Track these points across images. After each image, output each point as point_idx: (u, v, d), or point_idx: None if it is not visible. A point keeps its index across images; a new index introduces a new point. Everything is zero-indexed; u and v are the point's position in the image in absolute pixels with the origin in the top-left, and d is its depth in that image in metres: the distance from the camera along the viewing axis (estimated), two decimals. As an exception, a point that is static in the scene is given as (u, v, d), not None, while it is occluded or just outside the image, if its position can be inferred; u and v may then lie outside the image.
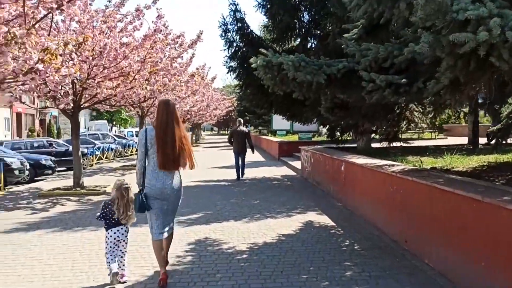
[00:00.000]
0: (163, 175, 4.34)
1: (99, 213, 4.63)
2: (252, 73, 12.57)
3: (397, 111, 7.12)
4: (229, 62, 12.56)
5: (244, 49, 12.51)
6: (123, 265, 4.62)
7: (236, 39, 12.54)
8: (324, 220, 7.50)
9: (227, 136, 14.69)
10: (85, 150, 18.69)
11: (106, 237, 4.55)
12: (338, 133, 14.23)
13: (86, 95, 11.41)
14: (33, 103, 42.44)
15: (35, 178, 14.92)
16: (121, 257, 4.60)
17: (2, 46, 5.74)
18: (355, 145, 13.67)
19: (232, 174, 14.27)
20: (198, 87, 20.16)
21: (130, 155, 23.85)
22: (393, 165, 6.84)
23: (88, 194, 10.48)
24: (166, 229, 4.50)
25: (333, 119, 7.42)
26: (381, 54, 4.66)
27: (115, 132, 44.24)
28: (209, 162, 19.78)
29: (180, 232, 6.74)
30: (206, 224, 7.27)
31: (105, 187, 11.38)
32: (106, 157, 21.17)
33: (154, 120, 4.51)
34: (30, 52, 5.95)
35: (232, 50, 12.50)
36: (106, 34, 10.15)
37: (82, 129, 45.37)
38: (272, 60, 5.21)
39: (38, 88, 9.96)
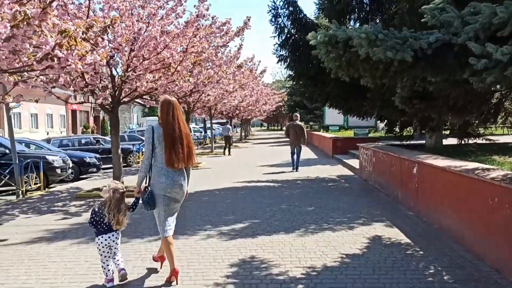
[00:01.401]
0: (171, 172, 4.36)
1: (89, 220, 4.45)
2: (305, 62, 11.44)
3: (493, 101, 5.66)
4: (280, 50, 11.35)
5: (296, 35, 11.26)
6: (122, 263, 4.49)
7: (288, 25, 11.30)
8: (396, 235, 6.16)
9: (276, 132, 14.30)
10: (131, 147, 18.19)
11: (97, 243, 4.39)
12: (397, 129, 12.80)
13: (126, 89, 10.61)
14: (88, 100, 43.20)
15: (80, 176, 14.45)
16: (114, 258, 4.47)
17: (13, 29, 4.85)
18: (423, 141, 12.10)
19: (282, 174, 13.15)
20: (247, 81, 19.09)
21: (178, 152, 23.21)
22: (488, 170, 5.40)
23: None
24: (173, 226, 4.51)
25: (410, 112, 6.05)
26: (497, 19, 3.30)
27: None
28: (258, 159, 18.74)
29: (222, 247, 5.66)
30: (253, 237, 6.15)
31: (146, 188, 10.54)
32: (153, 154, 20.57)
33: (159, 118, 4.46)
34: (46, 36, 5.03)
35: (283, 37, 11.27)
36: (144, 20, 9.25)
37: (133, 126, 45.90)
38: (338, 34, 3.97)
39: (73, 82, 9.35)
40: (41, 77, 6.07)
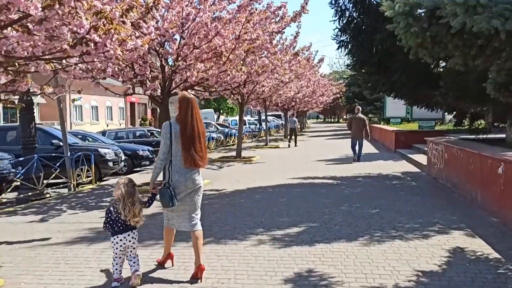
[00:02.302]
0: (186, 171, 4.30)
1: (104, 221, 4.23)
2: (369, 48, 10.40)
3: None
4: (340, 36, 10.41)
5: (358, 19, 10.27)
6: (137, 265, 4.28)
7: (349, 7, 10.33)
8: (480, 247, 5.20)
9: (333, 125, 14.00)
10: (185, 140, 17.90)
11: (112, 242, 4.21)
12: (468, 121, 11.58)
13: (177, 80, 10.15)
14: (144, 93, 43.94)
15: (134, 169, 14.29)
16: (131, 260, 4.28)
17: (45, 10, 4.37)
18: (501, 135, 10.77)
19: (341, 170, 12.26)
20: (303, 71, 18.21)
21: (232, 144, 22.79)
22: None
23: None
24: (186, 223, 4.42)
25: (506, 102, 5.02)
26: None
27: (222, 121, 44.17)
28: (315, 153, 17.87)
29: (275, 256, 4.97)
30: (310, 244, 5.40)
31: (196, 183, 10.06)
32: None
33: (177, 115, 4.36)
34: (80, 17, 4.52)
35: (344, 21, 10.31)
36: (194, 6, 8.69)
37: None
38: (423, 2, 3.09)
39: (122, 72, 8.97)
40: (80, 65, 5.59)
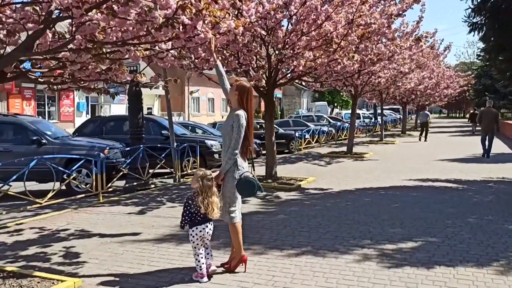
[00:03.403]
0: (245, 159, 4.36)
1: (184, 215, 4.18)
2: (508, 30, 8.77)
3: None
4: (473, 17, 8.87)
5: (496, -4, 8.66)
6: (210, 259, 4.26)
7: (485, -18, 8.77)
8: None
9: (457, 120, 12.72)
10: (293, 133, 17.35)
11: (191, 235, 4.14)
12: None
13: (283, 69, 9.55)
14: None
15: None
16: (206, 253, 4.24)
17: (130, -11, 4.02)
18: None
19: (469, 173, 10.69)
20: (426, 60, 16.45)
21: (344, 139, 21.64)
22: None
23: (277, 189, 8.61)
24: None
25: None
26: None
27: (335, 114, 42.93)
28: (436, 151, 16.12)
29: (382, 279, 4.10)
30: (428, 266, 4.41)
31: (300, 180, 9.42)
32: (316, 141, 19.46)
33: (238, 104, 4.31)
34: (167, -3, 4.08)
35: (478, 0, 8.77)
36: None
37: (302, 111, 45.90)
38: None
39: (226, 61, 8.62)
40: (172, 51, 5.20)
